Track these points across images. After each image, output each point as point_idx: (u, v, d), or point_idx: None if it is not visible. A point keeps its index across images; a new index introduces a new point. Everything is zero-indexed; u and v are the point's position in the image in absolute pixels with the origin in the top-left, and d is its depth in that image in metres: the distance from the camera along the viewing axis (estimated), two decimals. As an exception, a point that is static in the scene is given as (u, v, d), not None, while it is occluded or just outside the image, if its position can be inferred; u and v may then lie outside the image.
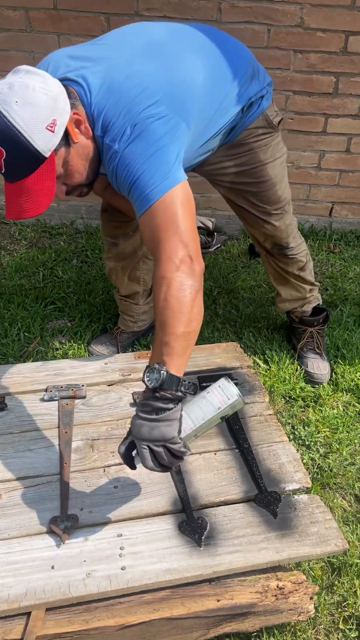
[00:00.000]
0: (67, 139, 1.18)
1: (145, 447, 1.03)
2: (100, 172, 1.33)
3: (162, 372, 1.04)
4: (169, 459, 1.04)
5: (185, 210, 1.17)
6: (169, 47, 1.34)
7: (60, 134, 1.15)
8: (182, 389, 1.06)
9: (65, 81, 1.23)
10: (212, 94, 1.38)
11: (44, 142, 1.12)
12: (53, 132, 1.13)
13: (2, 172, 1.14)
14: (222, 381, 1.17)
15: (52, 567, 1.11)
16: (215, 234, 1.73)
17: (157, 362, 1.06)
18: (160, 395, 1.04)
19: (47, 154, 1.13)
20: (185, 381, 1.07)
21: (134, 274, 1.90)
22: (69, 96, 1.19)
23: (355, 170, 2.68)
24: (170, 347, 1.07)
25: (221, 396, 1.15)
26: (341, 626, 1.26)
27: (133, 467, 1.11)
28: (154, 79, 1.24)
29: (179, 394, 1.05)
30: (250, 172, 1.61)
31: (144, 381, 1.06)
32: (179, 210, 1.15)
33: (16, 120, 1.08)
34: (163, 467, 1.05)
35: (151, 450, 1.03)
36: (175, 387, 1.05)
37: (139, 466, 1.10)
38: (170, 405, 1.04)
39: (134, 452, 1.08)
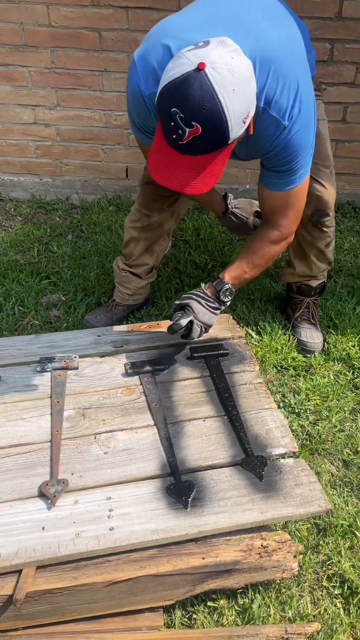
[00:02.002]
0: (247, 129, 1.18)
1: (200, 327, 1.52)
2: None
3: (233, 293, 1.56)
4: (201, 335, 1.55)
5: (305, 195, 1.50)
6: (279, 11, 1.36)
7: (247, 125, 1.16)
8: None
9: None
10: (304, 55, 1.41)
11: (237, 131, 1.13)
12: (244, 123, 1.14)
13: (183, 142, 1.11)
14: None
15: (43, 528, 1.15)
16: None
17: (232, 284, 1.54)
18: (223, 304, 1.56)
19: (231, 141, 1.15)
20: None
21: (152, 247, 1.93)
22: None
23: (352, 140, 2.64)
24: (245, 281, 1.60)
25: None
26: (325, 583, 1.30)
27: (185, 336, 1.55)
28: (292, 46, 1.29)
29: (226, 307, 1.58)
30: None
31: (219, 292, 1.53)
32: (305, 193, 1.49)
33: (229, 108, 1.08)
34: (193, 340, 1.56)
35: (201, 329, 1.53)
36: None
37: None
38: (222, 308, 1.57)
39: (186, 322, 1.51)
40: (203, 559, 1.15)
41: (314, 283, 1.99)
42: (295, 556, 1.22)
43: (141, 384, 1.53)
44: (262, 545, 1.18)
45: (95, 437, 1.37)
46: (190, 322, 1.51)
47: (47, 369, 1.56)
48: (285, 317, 2.08)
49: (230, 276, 1.54)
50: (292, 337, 1.97)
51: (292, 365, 1.87)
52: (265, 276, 2.27)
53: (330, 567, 1.33)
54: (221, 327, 1.74)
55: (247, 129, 1.19)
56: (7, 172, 2.74)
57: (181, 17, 1.34)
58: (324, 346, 1.96)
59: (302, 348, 1.95)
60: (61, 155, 2.67)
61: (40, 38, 2.35)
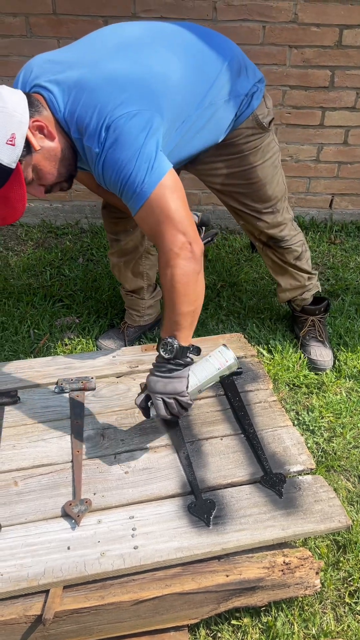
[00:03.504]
0: (29, 147, 1.24)
1: (160, 399, 1.28)
2: (80, 166, 1.39)
3: (174, 345, 1.28)
4: (178, 409, 1.29)
5: (176, 198, 1.26)
6: (140, 44, 1.37)
7: (21, 145, 1.21)
8: (189, 354, 1.31)
9: (36, 87, 1.31)
10: (193, 89, 1.40)
11: (7, 156, 1.19)
12: (14, 145, 1.19)
13: None
14: (221, 347, 1.41)
15: (68, 548, 1.17)
16: (203, 228, 1.77)
17: (169, 336, 1.29)
18: (174, 362, 1.29)
19: (13, 166, 1.20)
20: (190, 347, 1.32)
21: (137, 269, 1.95)
22: (31, 105, 1.25)
23: (353, 162, 2.72)
24: (179, 324, 1.29)
25: (220, 359, 1.39)
26: (347, 600, 1.31)
27: (147, 415, 1.34)
28: (121, 75, 1.28)
29: (188, 359, 1.31)
30: (240, 174, 1.65)
31: (158, 351, 1.30)
32: (170, 200, 1.25)
33: None
34: (173, 416, 1.30)
35: (164, 402, 1.28)
36: (185, 355, 1.30)
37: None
38: (181, 367, 1.30)
39: (149, 403, 1.32)
40: (227, 576, 1.16)
41: (308, 295, 2.01)
42: (317, 573, 1.23)
43: (158, 404, 1.55)
44: (284, 562, 1.19)
45: (115, 457, 1.39)
46: (146, 398, 1.32)
47: (65, 390, 1.58)
48: (294, 335, 2.11)
49: (162, 330, 1.33)
50: (303, 355, 2.00)
51: (304, 383, 1.89)
52: (273, 295, 2.31)
53: (351, 583, 1.34)
54: (233, 346, 1.77)
55: (30, 146, 1.24)
56: (18, 198, 2.80)
57: (50, 52, 1.42)
58: (334, 363, 1.99)
59: (313, 366, 1.98)
60: (71, 181, 2.74)
61: (51, 70, 2.44)
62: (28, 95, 1.26)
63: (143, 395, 1.33)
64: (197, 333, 2.05)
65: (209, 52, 1.44)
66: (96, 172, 1.31)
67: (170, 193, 1.25)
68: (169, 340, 1.29)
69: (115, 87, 1.26)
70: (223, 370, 1.38)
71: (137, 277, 1.97)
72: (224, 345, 1.41)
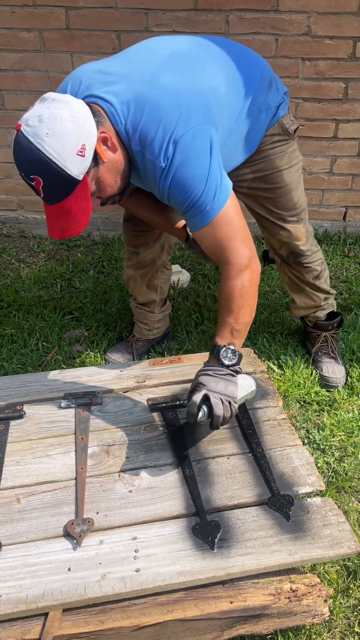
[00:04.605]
0: (96, 159, 1.24)
1: (219, 399, 1.28)
2: (130, 182, 1.39)
3: (237, 353, 1.34)
4: (231, 414, 1.30)
5: (239, 215, 1.36)
6: (190, 57, 1.39)
7: (90, 157, 1.21)
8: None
9: (92, 98, 1.30)
10: (234, 101, 1.43)
11: (77, 167, 1.19)
12: (83, 156, 1.20)
13: (41, 196, 1.23)
14: (246, 375, 1.51)
15: (69, 569, 1.14)
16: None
17: (229, 343, 1.34)
18: (233, 369, 1.33)
19: (80, 177, 1.21)
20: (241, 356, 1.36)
21: (152, 282, 1.94)
22: (94, 115, 1.24)
23: (368, 174, 2.68)
24: (240, 332, 1.36)
25: (248, 382, 1.47)
26: (357, 629, 1.26)
27: (196, 417, 1.27)
28: (180, 88, 1.30)
29: (239, 368, 1.36)
30: (267, 178, 1.65)
31: (219, 357, 1.32)
32: (236, 218, 1.35)
33: (49, 151, 1.16)
34: (225, 421, 1.30)
35: (222, 402, 1.28)
36: (240, 363, 1.36)
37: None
38: (235, 375, 1.34)
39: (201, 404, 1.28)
40: (231, 602, 1.12)
41: (322, 314, 1.98)
42: (325, 600, 1.18)
43: (164, 420, 1.53)
44: (291, 589, 1.15)
45: (119, 475, 1.36)
46: (205, 397, 1.28)
47: (71, 405, 1.57)
48: (306, 350, 2.07)
49: (220, 337, 1.36)
50: (314, 371, 1.96)
51: (315, 400, 1.85)
52: (285, 309, 2.28)
53: (361, 612, 1.29)
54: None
55: (98, 158, 1.24)
56: (30, 211, 2.83)
57: (94, 63, 1.43)
58: (347, 380, 1.94)
59: (325, 383, 1.93)
60: (83, 193, 2.75)
61: (65, 84, 2.46)
62: (89, 106, 1.26)
63: (201, 394, 1.27)
64: (205, 347, 2.03)
65: (245, 65, 1.47)
66: (159, 186, 1.32)
67: (234, 211, 1.34)
68: (231, 347, 1.33)
69: (177, 101, 1.27)
70: (247, 395, 1.46)
71: (151, 290, 1.96)
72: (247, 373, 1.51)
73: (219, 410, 1.27)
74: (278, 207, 1.70)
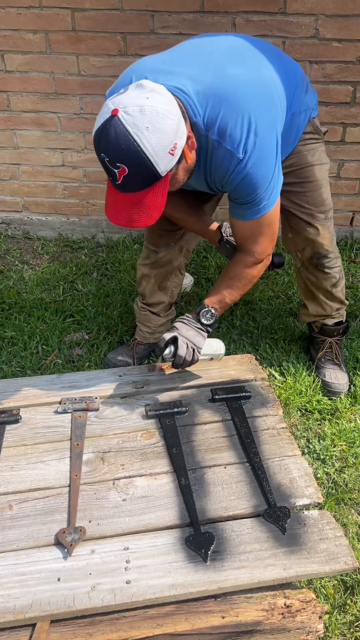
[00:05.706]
0: (181, 158, 1.23)
1: (186, 343, 1.48)
2: None
3: (215, 317, 1.54)
4: (191, 360, 1.49)
5: (279, 214, 1.49)
6: (248, 51, 1.40)
7: (178, 155, 1.21)
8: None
9: (167, 87, 1.26)
10: (285, 98, 1.44)
11: (165, 164, 1.18)
12: (173, 155, 1.19)
13: (117, 183, 1.20)
14: (220, 341, 1.67)
15: (58, 580, 1.12)
16: None
17: (212, 307, 1.54)
18: (205, 328, 1.53)
19: (164, 174, 1.20)
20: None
21: (164, 284, 1.94)
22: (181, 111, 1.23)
23: (376, 179, 2.64)
24: (226, 305, 1.58)
25: (218, 345, 1.63)
26: (353, 647, 1.23)
27: (162, 351, 1.48)
28: (251, 81, 1.31)
29: (210, 330, 1.55)
30: (298, 172, 1.66)
31: (199, 314, 1.53)
32: (277, 219, 1.49)
33: (146, 146, 1.14)
34: (185, 363, 1.49)
35: (187, 347, 1.47)
36: (213, 327, 1.55)
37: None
38: (206, 333, 1.54)
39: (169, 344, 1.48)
40: (223, 617, 1.09)
41: (331, 321, 1.95)
42: (320, 617, 1.15)
43: (161, 427, 1.51)
44: (285, 605, 1.12)
45: (114, 483, 1.34)
46: (174, 338, 1.48)
47: (68, 410, 1.55)
48: (309, 357, 2.04)
49: (209, 300, 1.55)
50: (316, 378, 1.93)
51: (317, 409, 1.82)
52: (289, 315, 2.25)
53: (358, 628, 1.26)
54: (243, 368, 1.71)
55: (182, 158, 1.23)
56: (35, 212, 2.82)
57: (153, 57, 1.41)
58: (350, 388, 1.91)
59: (327, 390, 1.90)
60: (88, 195, 2.74)
61: (70, 86, 2.45)
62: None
63: (172, 334, 1.48)
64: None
65: (286, 65, 1.49)
66: (229, 177, 1.34)
67: (278, 210, 1.47)
68: (212, 311, 1.53)
69: (251, 93, 1.29)
70: (213, 355, 1.61)
71: (162, 292, 1.95)
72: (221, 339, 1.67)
73: (182, 351, 1.46)
74: (308, 202, 1.70)
